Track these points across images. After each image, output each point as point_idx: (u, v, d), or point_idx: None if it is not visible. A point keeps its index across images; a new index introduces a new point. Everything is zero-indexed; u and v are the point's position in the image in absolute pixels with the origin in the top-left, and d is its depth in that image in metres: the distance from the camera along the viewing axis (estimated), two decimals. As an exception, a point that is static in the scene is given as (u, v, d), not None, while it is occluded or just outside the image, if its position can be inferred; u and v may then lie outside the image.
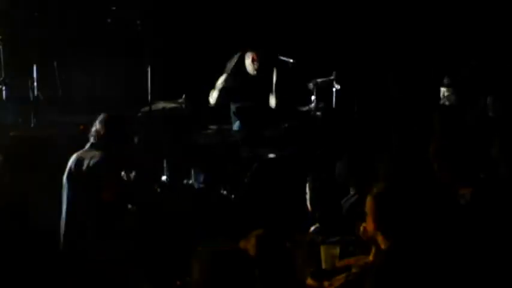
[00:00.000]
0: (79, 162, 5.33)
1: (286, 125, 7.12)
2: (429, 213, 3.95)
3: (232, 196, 6.60)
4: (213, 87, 7.45)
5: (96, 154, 5.30)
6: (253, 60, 7.40)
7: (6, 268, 5.44)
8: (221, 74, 7.44)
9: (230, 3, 8.58)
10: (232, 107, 7.49)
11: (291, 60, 7.36)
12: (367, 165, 4.89)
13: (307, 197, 5.00)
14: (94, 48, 8.24)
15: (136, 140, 5.98)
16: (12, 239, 5.76)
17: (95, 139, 5.33)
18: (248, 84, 7.40)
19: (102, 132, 5.32)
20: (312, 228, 4.85)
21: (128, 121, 5.65)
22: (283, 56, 7.43)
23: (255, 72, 7.42)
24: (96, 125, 5.35)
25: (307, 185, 5.00)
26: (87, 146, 5.39)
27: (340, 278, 3.91)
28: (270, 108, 7.49)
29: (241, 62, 7.48)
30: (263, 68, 7.43)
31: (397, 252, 3.62)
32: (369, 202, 3.71)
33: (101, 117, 5.36)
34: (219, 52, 8.05)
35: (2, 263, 5.48)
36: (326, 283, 3.92)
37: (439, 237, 3.92)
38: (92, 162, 5.26)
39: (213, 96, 7.39)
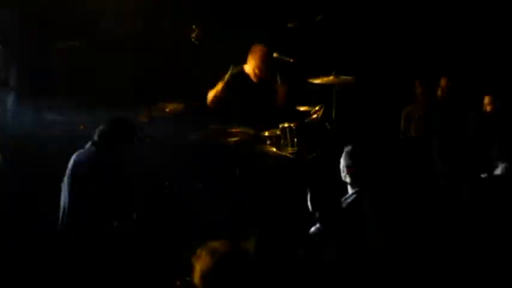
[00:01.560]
0: (79, 160, 5.38)
1: (287, 125, 7.09)
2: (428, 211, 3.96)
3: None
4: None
5: (97, 152, 5.36)
6: (257, 68, 7.33)
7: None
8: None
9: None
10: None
11: (291, 60, 7.30)
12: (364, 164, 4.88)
13: (308, 197, 4.99)
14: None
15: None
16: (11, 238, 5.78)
17: (97, 138, 5.42)
18: (249, 93, 7.35)
19: (105, 132, 5.40)
20: (312, 229, 4.84)
21: (131, 122, 5.70)
22: (283, 55, 7.35)
23: (258, 81, 7.38)
24: (101, 125, 5.45)
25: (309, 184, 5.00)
26: (88, 144, 5.45)
27: None
28: (271, 109, 7.46)
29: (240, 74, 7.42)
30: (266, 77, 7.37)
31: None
32: None
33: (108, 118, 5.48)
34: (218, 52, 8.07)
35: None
36: None
37: (439, 235, 3.93)
38: (91, 160, 5.31)
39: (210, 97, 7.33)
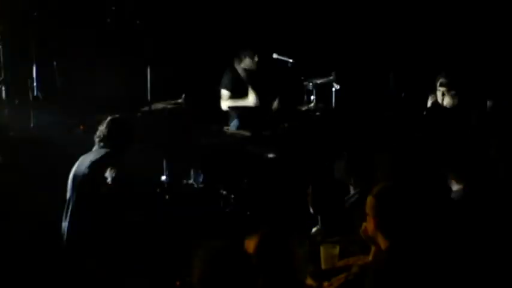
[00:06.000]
0: (81, 163, 5.39)
1: (286, 125, 7.10)
2: (428, 213, 3.95)
3: (232, 196, 6.60)
4: (212, 86, 7.46)
5: (98, 154, 5.36)
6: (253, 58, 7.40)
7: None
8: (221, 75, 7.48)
9: (230, 2, 8.57)
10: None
11: (290, 60, 7.35)
12: (366, 164, 4.89)
13: (309, 198, 5.00)
14: (94, 48, 8.22)
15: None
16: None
17: (99, 140, 5.42)
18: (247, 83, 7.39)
19: (105, 134, 5.40)
20: (314, 230, 4.85)
21: (130, 122, 5.70)
22: (282, 56, 7.41)
23: (256, 68, 7.41)
24: (100, 127, 5.44)
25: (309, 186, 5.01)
26: (94, 148, 5.47)
27: (339, 278, 3.91)
28: (270, 108, 7.48)
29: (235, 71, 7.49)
30: (263, 66, 7.43)
31: (396, 252, 3.61)
32: (369, 201, 3.71)
33: (105, 119, 5.46)
34: (218, 51, 8.07)
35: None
36: (326, 283, 3.92)
37: (438, 237, 3.93)
38: (91, 161, 5.33)
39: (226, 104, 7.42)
